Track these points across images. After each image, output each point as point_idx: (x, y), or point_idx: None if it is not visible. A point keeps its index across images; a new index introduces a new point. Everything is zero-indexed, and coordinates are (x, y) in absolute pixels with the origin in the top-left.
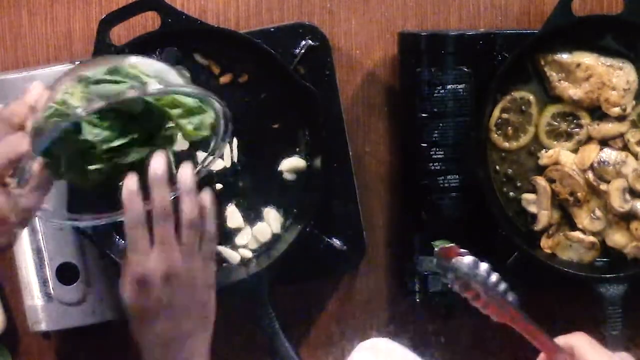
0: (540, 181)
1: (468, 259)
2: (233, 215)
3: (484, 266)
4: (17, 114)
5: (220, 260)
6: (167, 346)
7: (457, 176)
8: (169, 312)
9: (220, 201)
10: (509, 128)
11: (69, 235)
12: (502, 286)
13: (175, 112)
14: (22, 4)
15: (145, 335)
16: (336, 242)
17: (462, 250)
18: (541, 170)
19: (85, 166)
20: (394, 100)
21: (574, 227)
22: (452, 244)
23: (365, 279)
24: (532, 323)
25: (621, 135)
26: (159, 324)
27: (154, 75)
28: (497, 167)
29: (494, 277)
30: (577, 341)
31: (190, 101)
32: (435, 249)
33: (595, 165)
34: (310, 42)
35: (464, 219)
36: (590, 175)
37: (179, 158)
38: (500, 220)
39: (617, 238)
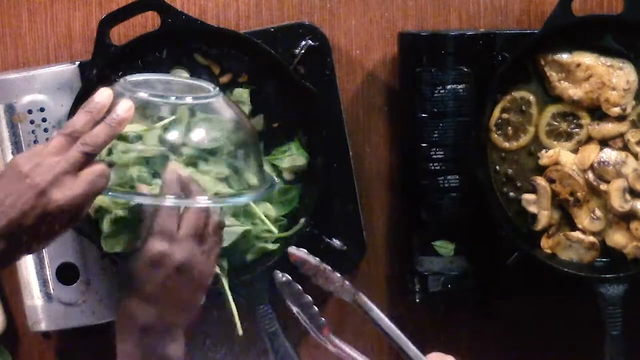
0: (540, 181)
1: (283, 276)
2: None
3: (296, 286)
4: (80, 129)
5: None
6: (146, 334)
7: (457, 176)
8: (157, 298)
9: None
10: (509, 128)
11: (69, 235)
12: (313, 310)
13: None
14: (22, 4)
15: (132, 317)
16: (336, 242)
17: (310, 259)
18: (541, 170)
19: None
20: (394, 100)
21: (574, 227)
22: (301, 251)
23: (365, 279)
24: (346, 347)
25: (621, 135)
26: (145, 307)
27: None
28: (497, 167)
29: (305, 299)
30: None
31: None
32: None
33: (595, 165)
34: (310, 42)
35: (464, 219)
36: (590, 175)
37: None
38: (500, 220)
39: (617, 238)
